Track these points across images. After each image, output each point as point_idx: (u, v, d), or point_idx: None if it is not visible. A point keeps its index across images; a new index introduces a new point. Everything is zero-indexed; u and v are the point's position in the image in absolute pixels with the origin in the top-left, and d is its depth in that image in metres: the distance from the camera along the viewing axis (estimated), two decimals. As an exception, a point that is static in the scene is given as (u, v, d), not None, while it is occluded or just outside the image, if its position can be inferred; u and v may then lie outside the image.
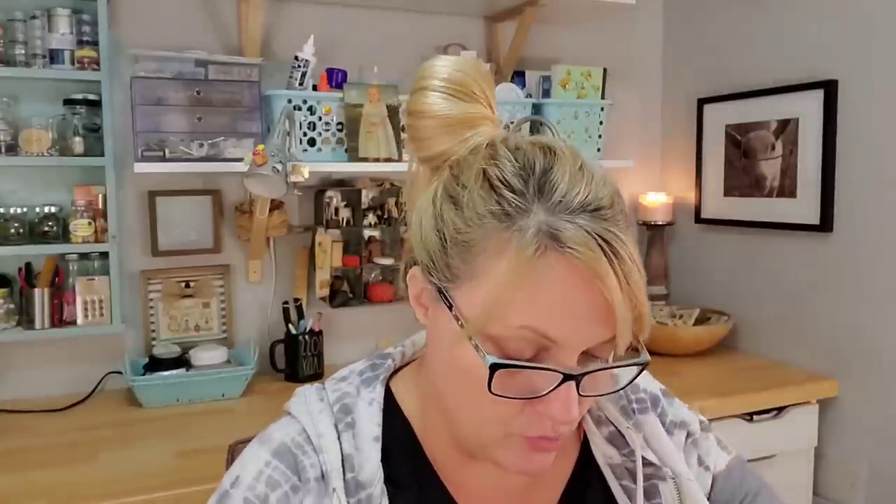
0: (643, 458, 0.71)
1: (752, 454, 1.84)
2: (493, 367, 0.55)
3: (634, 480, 0.70)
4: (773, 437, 1.92)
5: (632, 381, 0.62)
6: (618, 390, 0.64)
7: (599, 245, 0.54)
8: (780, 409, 1.93)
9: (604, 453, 0.73)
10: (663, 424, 0.76)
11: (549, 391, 0.56)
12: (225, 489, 0.65)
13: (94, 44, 1.75)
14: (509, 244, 0.55)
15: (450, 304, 0.59)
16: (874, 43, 1.87)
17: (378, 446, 0.64)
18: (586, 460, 0.73)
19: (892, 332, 1.86)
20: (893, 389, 1.87)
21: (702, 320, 2.30)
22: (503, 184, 0.57)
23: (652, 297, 2.47)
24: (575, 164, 0.58)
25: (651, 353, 0.60)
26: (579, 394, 0.57)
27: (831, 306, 2.00)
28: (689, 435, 0.76)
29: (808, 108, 2.03)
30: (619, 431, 0.73)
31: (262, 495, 0.63)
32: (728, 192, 2.31)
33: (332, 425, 0.66)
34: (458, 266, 0.58)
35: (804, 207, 2.05)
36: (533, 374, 0.56)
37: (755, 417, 1.89)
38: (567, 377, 0.55)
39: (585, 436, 0.74)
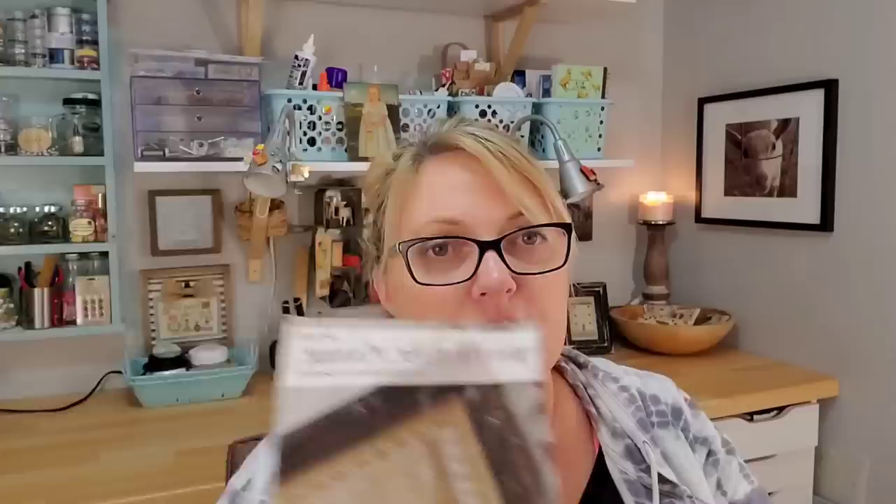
0: (660, 474, 0.68)
1: (753, 454, 1.84)
2: (404, 246, 0.61)
3: (650, 498, 0.67)
4: (773, 437, 1.92)
5: (569, 251, 0.64)
6: (558, 267, 0.63)
7: (465, 133, 0.63)
8: (781, 409, 1.93)
9: (619, 468, 0.69)
10: (685, 439, 0.73)
11: (475, 270, 0.59)
12: (235, 490, 0.64)
13: (94, 43, 1.75)
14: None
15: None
16: (874, 42, 1.87)
17: None
18: (601, 475, 0.70)
19: (893, 331, 1.86)
20: (894, 389, 1.87)
21: (702, 320, 2.30)
22: (398, 151, 0.69)
23: (653, 297, 2.47)
24: (451, 118, 0.70)
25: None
26: (509, 266, 0.59)
27: (832, 306, 2.00)
28: (710, 453, 0.74)
29: (808, 107, 2.02)
30: (636, 445, 0.70)
31: None
32: (728, 191, 2.31)
33: None
34: (383, 227, 0.67)
35: (804, 207, 2.05)
36: (454, 262, 0.61)
37: (756, 417, 1.89)
38: (481, 245, 0.59)
39: (601, 450, 0.71)
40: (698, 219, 2.42)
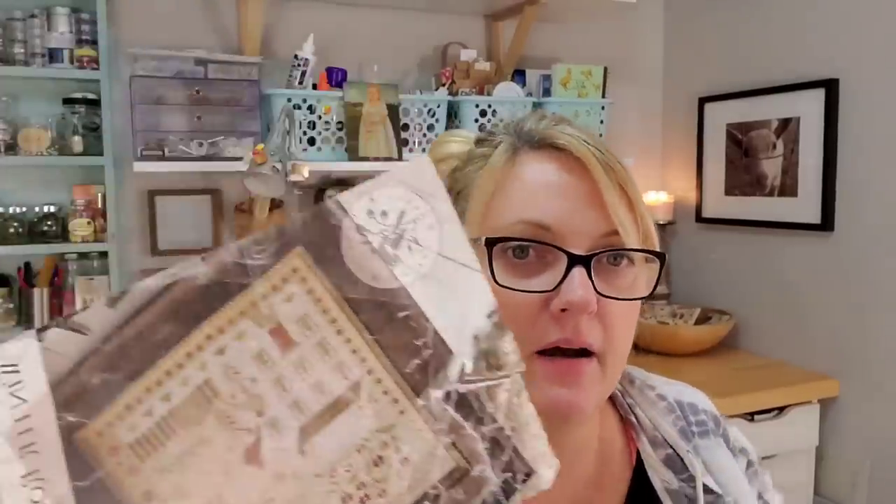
0: (704, 485, 0.66)
1: (753, 454, 1.83)
2: (490, 242, 0.56)
3: None
4: (774, 437, 1.91)
5: (656, 285, 0.59)
6: (645, 297, 0.60)
7: (569, 134, 0.59)
8: (781, 409, 1.93)
9: (661, 477, 0.67)
10: (727, 448, 0.71)
11: (560, 281, 0.54)
12: None
13: (94, 42, 1.75)
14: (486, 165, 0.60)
15: None
16: (875, 42, 1.87)
17: None
18: (641, 484, 0.67)
19: (893, 331, 1.85)
20: (894, 389, 1.86)
21: (703, 320, 2.30)
22: (484, 137, 0.64)
23: (653, 297, 2.46)
24: (548, 114, 0.64)
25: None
26: (594, 286, 0.55)
27: (832, 306, 2.00)
28: (749, 464, 0.73)
29: (809, 106, 2.02)
30: (678, 454, 0.68)
31: None
32: (729, 191, 2.30)
33: None
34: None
35: (805, 207, 2.05)
36: (534, 269, 0.56)
37: (756, 417, 1.89)
38: (572, 258, 0.55)
39: (639, 458, 0.68)
40: (699, 218, 2.42)
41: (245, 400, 0.33)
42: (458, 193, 0.62)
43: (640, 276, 0.59)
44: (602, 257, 0.57)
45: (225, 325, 0.33)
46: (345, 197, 0.34)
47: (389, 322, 0.33)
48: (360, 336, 0.33)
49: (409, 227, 0.34)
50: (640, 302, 0.60)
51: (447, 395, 0.33)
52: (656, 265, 0.59)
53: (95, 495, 0.32)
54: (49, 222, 1.79)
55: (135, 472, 0.32)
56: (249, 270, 0.33)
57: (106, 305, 0.34)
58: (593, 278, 0.55)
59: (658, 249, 0.60)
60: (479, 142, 0.65)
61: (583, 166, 0.57)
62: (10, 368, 0.32)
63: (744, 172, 2.25)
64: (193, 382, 0.33)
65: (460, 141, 0.67)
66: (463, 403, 0.33)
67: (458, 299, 0.34)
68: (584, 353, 0.56)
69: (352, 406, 0.33)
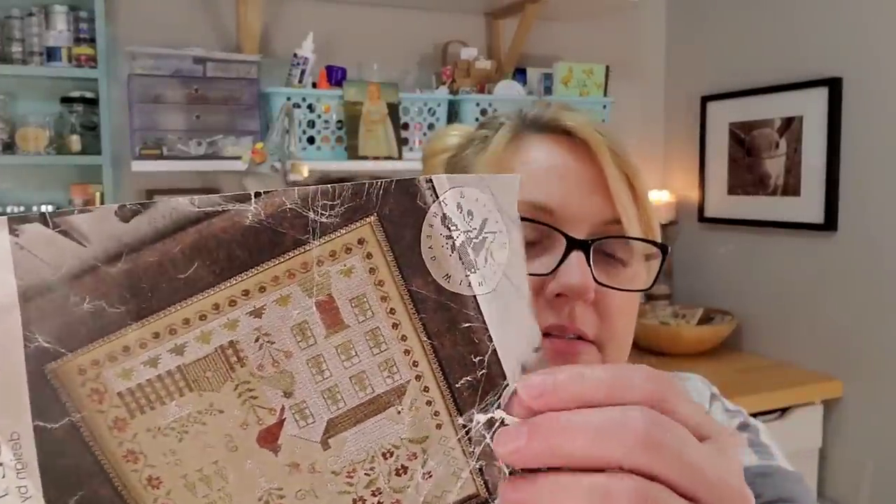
0: None
1: (756, 455, 1.82)
2: None
3: None
4: (776, 439, 1.89)
5: (656, 279, 0.58)
6: (644, 290, 0.59)
7: (577, 119, 0.57)
8: (784, 410, 1.92)
9: None
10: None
11: (557, 265, 0.53)
12: None
13: (92, 41, 1.73)
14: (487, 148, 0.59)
15: None
16: (879, 40, 1.85)
17: None
18: None
19: (898, 331, 1.84)
20: (899, 390, 1.85)
21: (705, 320, 2.28)
22: (486, 121, 0.64)
23: (655, 297, 2.45)
24: (550, 102, 0.65)
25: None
26: (593, 275, 0.53)
27: (835, 306, 1.99)
28: (743, 425, 0.75)
29: (812, 105, 2.01)
30: None
31: None
32: (732, 190, 2.29)
33: None
34: None
35: (808, 206, 2.03)
36: (532, 252, 0.55)
37: (759, 418, 1.87)
38: (571, 241, 0.53)
39: None
40: (701, 218, 2.41)
41: (273, 375, 0.29)
42: None
43: (640, 271, 0.58)
44: (601, 246, 0.56)
45: (268, 282, 0.28)
46: (439, 179, 0.30)
47: (450, 330, 0.30)
48: (416, 336, 0.30)
49: (489, 237, 0.31)
50: (638, 296, 0.59)
51: (490, 422, 0.31)
52: (656, 262, 0.58)
53: (64, 442, 0.27)
54: (47, 222, 1.78)
55: (121, 427, 0.28)
56: (310, 225, 0.28)
57: (116, 216, 0.27)
58: (592, 267, 0.53)
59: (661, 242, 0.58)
60: (480, 126, 0.64)
61: (588, 151, 0.56)
62: None
63: (746, 172, 2.23)
64: (216, 341, 0.28)
65: (461, 134, 0.66)
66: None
67: (513, 326, 0.31)
68: (578, 340, 0.55)
69: (390, 409, 0.30)
